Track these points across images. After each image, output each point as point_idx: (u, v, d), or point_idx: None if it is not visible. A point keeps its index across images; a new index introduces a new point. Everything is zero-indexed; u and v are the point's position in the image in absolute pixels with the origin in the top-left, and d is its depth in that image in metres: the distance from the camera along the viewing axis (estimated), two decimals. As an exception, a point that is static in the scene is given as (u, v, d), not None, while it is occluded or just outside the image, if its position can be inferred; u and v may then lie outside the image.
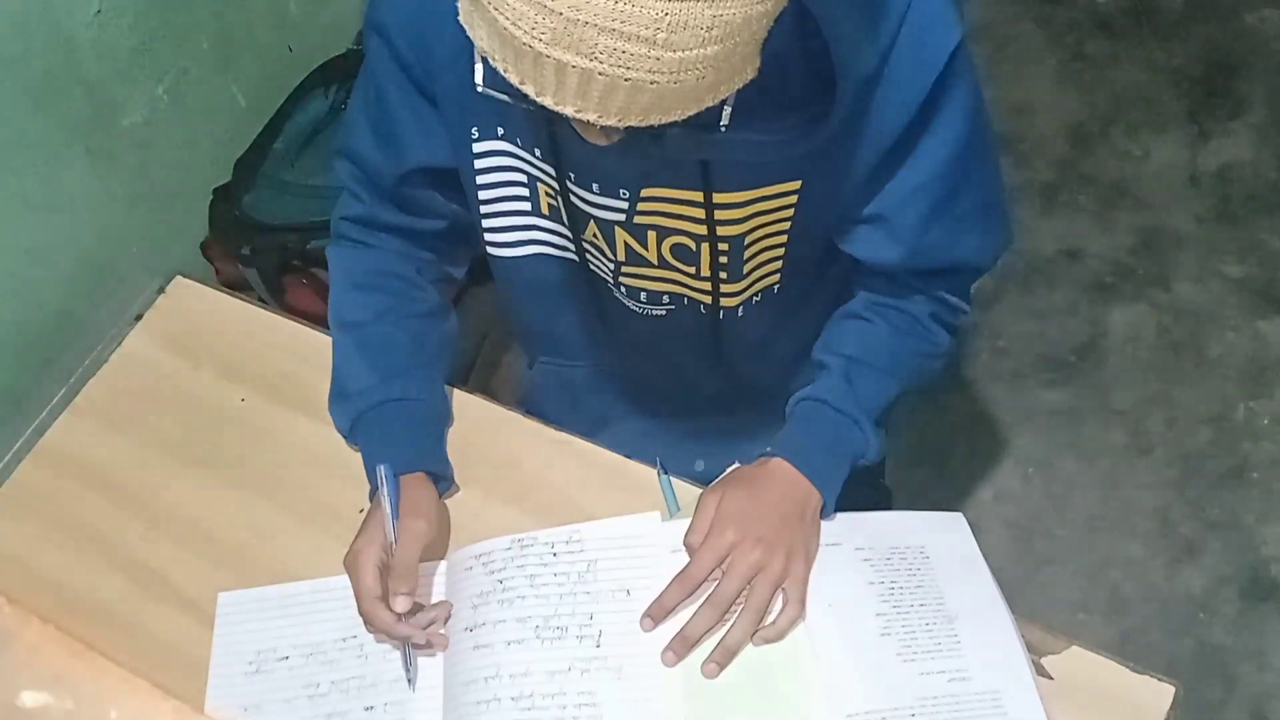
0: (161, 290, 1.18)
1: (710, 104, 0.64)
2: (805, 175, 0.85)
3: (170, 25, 1.28)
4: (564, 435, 1.04)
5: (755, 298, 0.97)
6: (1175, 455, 1.82)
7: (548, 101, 0.62)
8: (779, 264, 0.94)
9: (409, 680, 0.88)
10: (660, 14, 0.55)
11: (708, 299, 0.96)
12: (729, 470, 0.94)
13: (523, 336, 1.17)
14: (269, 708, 0.90)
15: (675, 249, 0.92)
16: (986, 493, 1.80)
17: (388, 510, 0.90)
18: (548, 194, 0.93)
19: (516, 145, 0.90)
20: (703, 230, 0.89)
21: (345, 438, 1.01)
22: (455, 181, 0.96)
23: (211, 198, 1.43)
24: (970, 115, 0.83)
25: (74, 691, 0.93)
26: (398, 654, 0.90)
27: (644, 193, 0.87)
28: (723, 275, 0.93)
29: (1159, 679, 0.86)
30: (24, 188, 1.17)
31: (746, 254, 0.91)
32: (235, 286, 1.42)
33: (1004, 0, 2.34)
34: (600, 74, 0.58)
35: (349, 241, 1.03)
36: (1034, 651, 0.88)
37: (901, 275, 0.95)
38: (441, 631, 0.91)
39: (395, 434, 0.97)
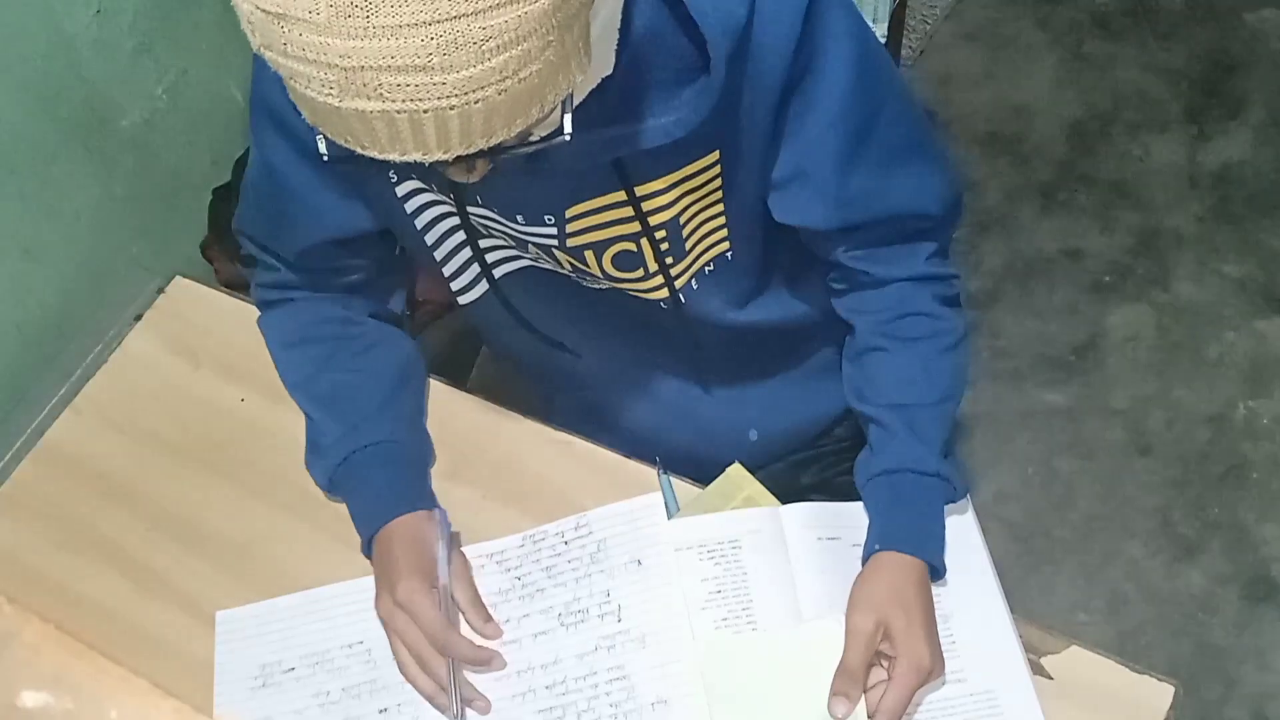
0: (161, 290, 1.18)
1: (543, 110, 0.63)
2: (720, 144, 0.83)
3: (170, 25, 1.28)
4: (564, 435, 1.04)
5: (708, 267, 0.93)
6: (1175, 455, 1.82)
7: (375, 154, 0.62)
8: (724, 232, 0.91)
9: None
10: (426, 40, 0.55)
11: (664, 293, 0.94)
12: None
13: (530, 377, 1.13)
14: None
15: (617, 259, 0.90)
16: (986, 493, 1.80)
17: (443, 554, 0.91)
18: (477, 226, 0.92)
19: (433, 190, 0.90)
20: (636, 227, 0.87)
21: (326, 493, 0.99)
22: (362, 243, 0.97)
23: (211, 198, 1.43)
24: (854, 48, 0.81)
25: (74, 691, 0.93)
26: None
27: (569, 213, 0.86)
28: (669, 260, 0.91)
29: (1159, 679, 0.86)
30: (23, 188, 1.17)
31: (685, 231, 0.89)
32: (235, 286, 1.41)
33: (1004, 0, 2.35)
34: (398, 112, 0.58)
35: (270, 306, 1.04)
36: (1033, 651, 0.88)
37: (860, 258, 0.92)
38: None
39: (378, 480, 0.96)
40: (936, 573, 0.88)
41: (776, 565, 0.91)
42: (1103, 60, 2.25)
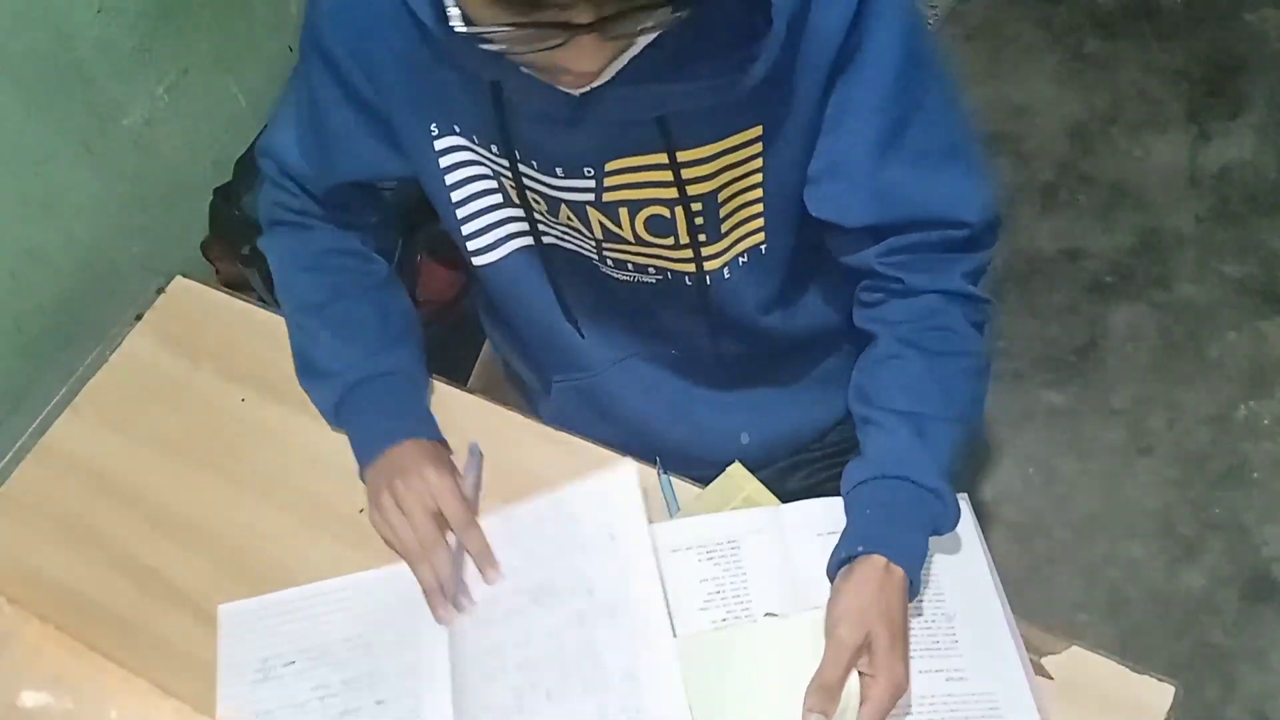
0: (161, 290, 1.18)
1: None
2: (764, 119, 0.84)
3: (170, 25, 1.28)
4: (564, 435, 1.04)
5: (741, 258, 0.94)
6: (1175, 455, 1.82)
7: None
8: (760, 221, 0.91)
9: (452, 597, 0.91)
10: None
11: (691, 267, 0.93)
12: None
13: (531, 357, 1.15)
14: (281, 714, 0.90)
15: (649, 222, 0.90)
16: (987, 493, 1.80)
17: (471, 480, 0.96)
18: (513, 187, 0.92)
19: (474, 142, 0.90)
20: (673, 194, 0.87)
21: (329, 417, 1.02)
22: (383, 189, 1.00)
23: (211, 198, 1.43)
24: (903, 40, 0.81)
25: (74, 691, 0.93)
26: (405, 650, 0.91)
27: (609, 167, 0.86)
28: (701, 238, 0.91)
29: (1159, 679, 0.86)
30: (24, 188, 1.17)
31: (723, 212, 0.89)
32: (235, 286, 1.42)
33: (1004, 0, 2.35)
34: None
35: (284, 226, 1.05)
36: (1034, 651, 0.88)
37: (895, 264, 0.91)
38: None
39: (391, 406, 0.99)
40: (913, 591, 0.85)
41: (776, 565, 0.90)
42: (1103, 60, 2.25)
